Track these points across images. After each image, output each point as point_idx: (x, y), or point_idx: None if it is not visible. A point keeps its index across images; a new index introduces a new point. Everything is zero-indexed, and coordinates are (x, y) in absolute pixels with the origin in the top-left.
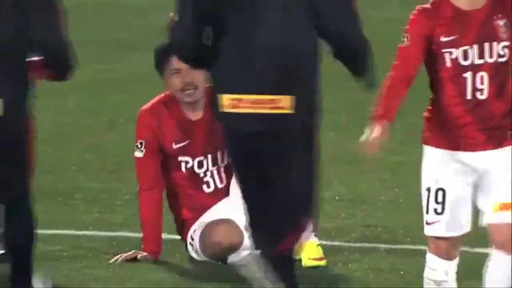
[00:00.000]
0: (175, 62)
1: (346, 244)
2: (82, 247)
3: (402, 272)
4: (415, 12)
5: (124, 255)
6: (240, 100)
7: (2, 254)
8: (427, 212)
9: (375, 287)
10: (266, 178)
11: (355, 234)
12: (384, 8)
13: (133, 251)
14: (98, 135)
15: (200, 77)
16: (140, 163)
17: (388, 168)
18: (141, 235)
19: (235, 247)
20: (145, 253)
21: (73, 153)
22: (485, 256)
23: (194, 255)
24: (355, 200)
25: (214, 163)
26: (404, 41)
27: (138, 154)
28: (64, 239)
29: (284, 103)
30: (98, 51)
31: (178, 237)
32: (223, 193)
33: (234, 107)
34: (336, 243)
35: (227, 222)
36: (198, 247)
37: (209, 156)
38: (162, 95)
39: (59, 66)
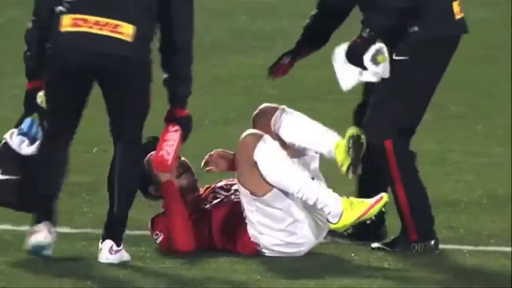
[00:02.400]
0: None
1: None
2: None
3: (485, 274)
4: None
5: None
6: None
7: None
8: None
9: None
10: None
11: (438, 235)
12: None
13: None
14: None
15: None
16: None
17: (472, 169)
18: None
19: None
20: None
21: None
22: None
23: None
24: (438, 201)
25: None
26: None
27: None
28: (147, 240)
29: None
30: None
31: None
32: None
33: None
34: None
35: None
36: None
37: None
38: None
39: None
